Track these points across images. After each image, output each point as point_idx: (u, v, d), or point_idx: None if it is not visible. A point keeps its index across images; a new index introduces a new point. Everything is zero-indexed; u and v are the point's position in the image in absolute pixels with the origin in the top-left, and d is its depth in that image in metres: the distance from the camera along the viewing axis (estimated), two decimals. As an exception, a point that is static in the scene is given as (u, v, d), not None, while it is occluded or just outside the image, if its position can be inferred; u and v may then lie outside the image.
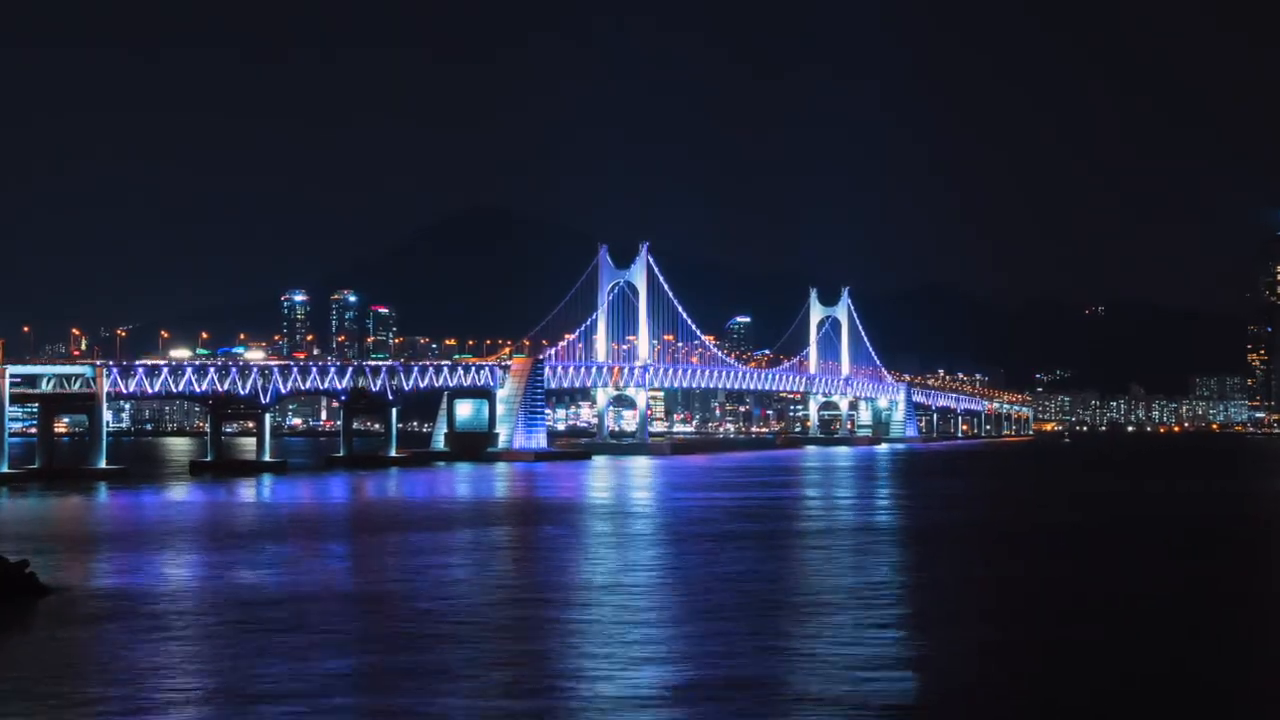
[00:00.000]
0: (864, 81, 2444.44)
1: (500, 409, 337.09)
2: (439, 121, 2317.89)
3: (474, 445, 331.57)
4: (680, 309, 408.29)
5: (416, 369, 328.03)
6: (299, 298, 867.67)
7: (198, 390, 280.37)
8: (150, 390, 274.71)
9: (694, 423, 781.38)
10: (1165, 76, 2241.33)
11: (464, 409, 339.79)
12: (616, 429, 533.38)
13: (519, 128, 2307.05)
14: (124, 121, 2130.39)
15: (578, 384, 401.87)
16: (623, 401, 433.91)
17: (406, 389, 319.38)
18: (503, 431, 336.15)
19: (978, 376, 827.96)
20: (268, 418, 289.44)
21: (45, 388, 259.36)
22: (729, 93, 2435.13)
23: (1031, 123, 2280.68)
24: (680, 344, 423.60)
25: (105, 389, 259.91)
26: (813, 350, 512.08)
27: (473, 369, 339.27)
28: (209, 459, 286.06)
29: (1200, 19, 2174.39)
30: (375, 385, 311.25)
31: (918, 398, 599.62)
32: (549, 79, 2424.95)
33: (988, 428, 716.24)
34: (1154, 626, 76.17)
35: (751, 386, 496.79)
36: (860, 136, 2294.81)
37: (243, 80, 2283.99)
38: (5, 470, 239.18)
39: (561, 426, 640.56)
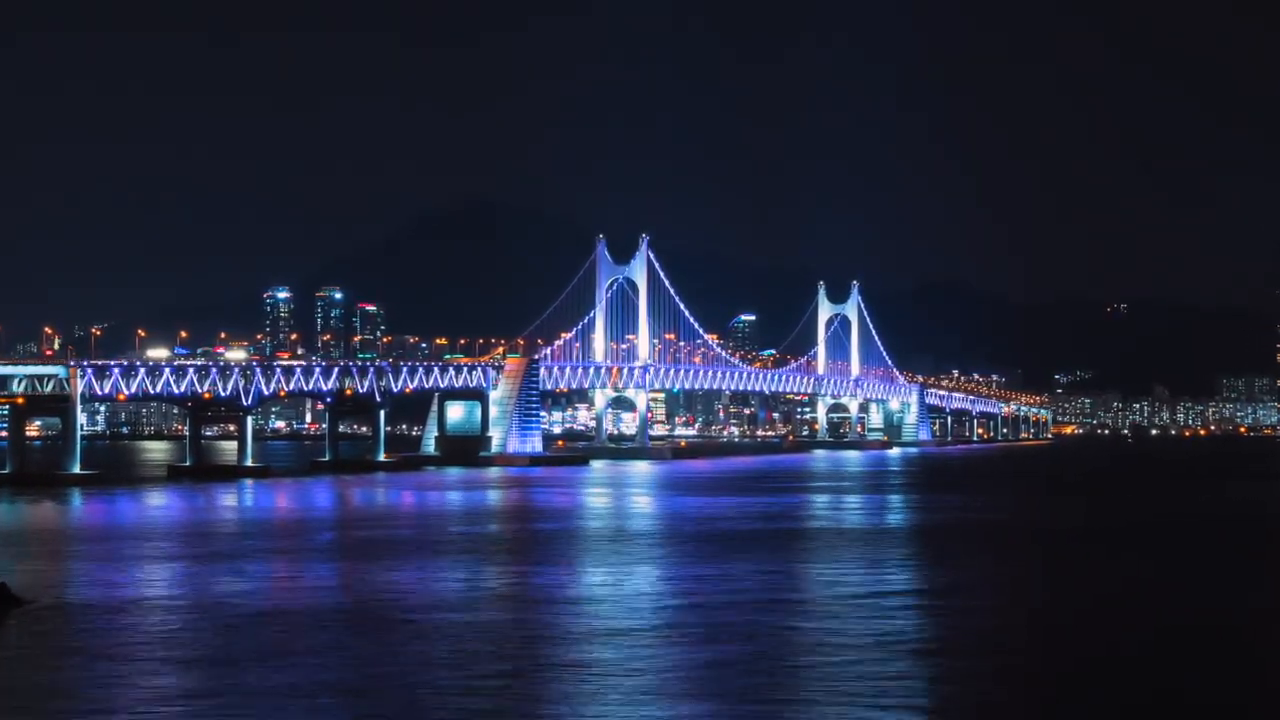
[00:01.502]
0: (874, 71, 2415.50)
1: (493, 411, 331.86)
2: (431, 112, 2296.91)
3: (466, 449, 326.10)
4: (682, 306, 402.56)
5: (405, 369, 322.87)
6: (282, 295, 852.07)
7: (176, 392, 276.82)
8: (126, 392, 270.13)
9: (697, 425, 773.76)
10: (1179, 65, 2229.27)
11: (455, 411, 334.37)
12: (615, 432, 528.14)
13: (514, 118, 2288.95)
14: (102, 111, 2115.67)
15: (574, 385, 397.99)
16: (622, 403, 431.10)
17: (395, 390, 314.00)
18: (496, 435, 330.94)
19: (994, 377, 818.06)
20: (249, 420, 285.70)
21: (16, 389, 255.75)
22: (733, 82, 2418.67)
23: (1040, 117, 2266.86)
24: (682, 343, 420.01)
25: (79, 390, 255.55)
26: (821, 350, 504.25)
27: (464, 369, 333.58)
28: (188, 463, 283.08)
29: (1211, 10, 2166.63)
30: (362, 386, 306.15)
31: (931, 400, 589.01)
32: (546, 67, 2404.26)
33: (1004, 431, 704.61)
34: None
35: (757, 388, 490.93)
36: (870, 128, 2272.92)
37: (230, 72, 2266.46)
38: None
39: (558, 430, 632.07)
